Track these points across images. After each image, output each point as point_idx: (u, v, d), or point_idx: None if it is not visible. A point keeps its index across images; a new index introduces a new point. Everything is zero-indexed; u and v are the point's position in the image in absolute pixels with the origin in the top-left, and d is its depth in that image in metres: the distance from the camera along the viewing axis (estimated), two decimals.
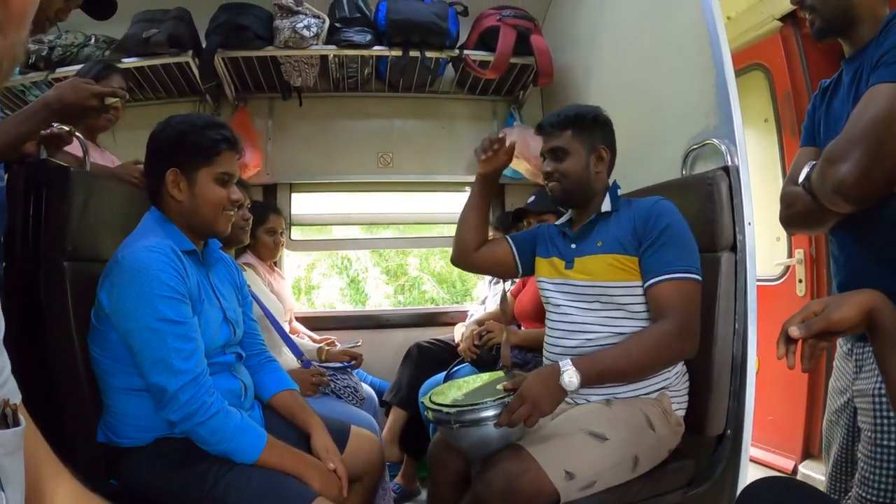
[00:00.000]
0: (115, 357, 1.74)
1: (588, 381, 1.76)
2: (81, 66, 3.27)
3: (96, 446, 1.78)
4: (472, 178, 3.94)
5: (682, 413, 2.01)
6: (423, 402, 1.96)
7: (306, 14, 3.34)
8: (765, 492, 1.29)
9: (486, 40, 3.47)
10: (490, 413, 1.76)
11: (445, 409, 1.81)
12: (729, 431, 2.08)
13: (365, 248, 4.42)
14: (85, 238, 1.92)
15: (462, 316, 3.70)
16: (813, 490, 1.28)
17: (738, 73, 2.44)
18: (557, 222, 2.26)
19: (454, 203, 4.25)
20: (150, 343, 1.64)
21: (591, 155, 2.09)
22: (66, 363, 1.79)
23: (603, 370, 1.80)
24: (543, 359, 2.16)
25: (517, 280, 3.31)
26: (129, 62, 3.34)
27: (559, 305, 2.10)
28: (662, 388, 1.98)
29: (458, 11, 3.48)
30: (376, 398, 3.22)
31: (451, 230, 4.16)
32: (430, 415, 1.87)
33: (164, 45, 3.28)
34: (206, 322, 1.81)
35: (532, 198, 3.08)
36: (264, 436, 1.72)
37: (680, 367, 2.03)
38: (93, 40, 3.40)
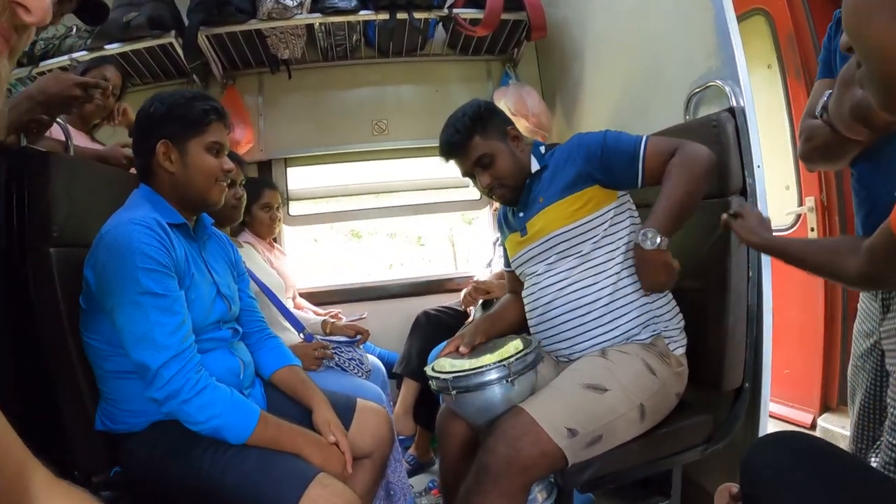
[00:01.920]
0: (107, 340, 1.71)
1: (665, 228, 1.80)
2: (65, 57, 3.28)
3: (95, 435, 1.77)
4: None
5: (681, 352, 1.96)
6: (426, 371, 1.93)
7: None
8: (768, 449, 1.23)
9: None
10: (491, 377, 1.72)
11: (443, 376, 1.78)
12: (747, 385, 2.04)
13: (364, 218, 4.38)
14: (70, 223, 1.87)
15: (468, 282, 3.60)
16: (821, 443, 1.23)
17: (739, 18, 2.36)
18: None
19: (452, 167, 4.15)
20: (132, 318, 1.60)
21: (506, 141, 2.11)
22: (59, 352, 1.76)
23: (666, 211, 1.82)
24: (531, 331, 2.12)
25: None
26: (112, 49, 3.27)
27: (529, 275, 2.10)
28: (655, 331, 1.94)
29: None
30: (384, 370, 3.15)
31: (451, 194, 4.19)
32: (432, 384, 1.85)
33: (145, 27, 3.21)
34: (198, 297, 1.79)
35: None
36: (256, 412, 1.68)
37: (670, 305, 2.00)
38: (74, 30, 3.31)
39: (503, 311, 2.28)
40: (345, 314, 3.44)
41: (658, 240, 1.78)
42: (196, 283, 1.79)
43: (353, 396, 2.12)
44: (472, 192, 4.14)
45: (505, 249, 2.31)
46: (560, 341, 1.98)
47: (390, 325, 3.72)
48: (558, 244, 1.98)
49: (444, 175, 4.15)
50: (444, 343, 2.95)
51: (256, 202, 3.14)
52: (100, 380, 1.78)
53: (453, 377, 1.76)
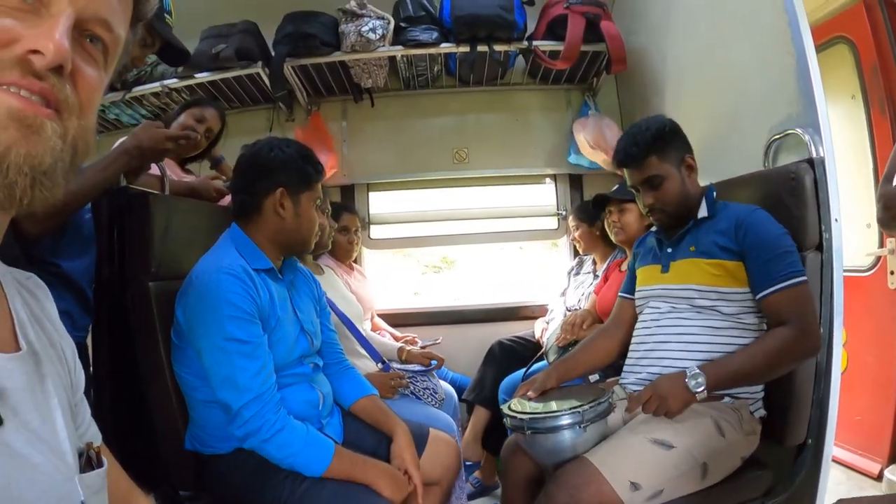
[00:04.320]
0: (196, 373, 1.87)
1: (714, 383, 1.80)
2: (156, 83, 3.54)
3: (185, 453, 1.94)
4: (549, 171, 4.11)
5: (760, 415, 1.99)
6: (502, 409, 2.01)
7: (371, 17, 3.41)
8: None
9: (555, 29, 3.43)
10: (564, 422, 1.80)
11: (520, 416, 1.88)
12: (810, 441, 2.03)
13: (442, 244, 4.43)
14: (167, 258, 2.05)
15: (542, 310, 3.72)
16: None
17: (821, 47, 2.32)
18: (654, 229, 2.27)
19: (532, 195, 4.28)
20: (218, 361, 1.76)
21: (681, 169, 2.08)
22: (155, 377, 1.94)
23: (729, 373, 1.84)
24: (624, 371, 2.16)
25: (599, 277, 3.30)
26: (201, 77, 3.55)
27: (652, 310, 2.13)
28: (738, 394, 1.96)
29: (523, 2, 3.46)
30: (456, 397, 3.26)
31: (531, 223, 4.29)
32: (507, 421, 1.94)
33: (233, 58, 3.46)
34: (282, 336, 1.93)
35: (616, 187, 3.02)
36: (331, 447, 1.81)
37: None
38: None
39: (583, 354, 2.31)
40: (420, 338, 3.56)
41: (701, 389, 1.79)
42: (281, 324, 1.93)
43: (425, 425, 2.22)
44: (551, 222, 4.21)
45: (632, 275, 2.34)
46: (650, 375, 2.02)
47: (464, 350, 3.80)
48: (694, 297, 2.01)
49: (522, 203, 4.25)
50: (518, 373, 3.12)
51: (336, 225, 3.24)
52: (190, 406, 1.95)
53: (529, 418, 1.86)
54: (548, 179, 4.20)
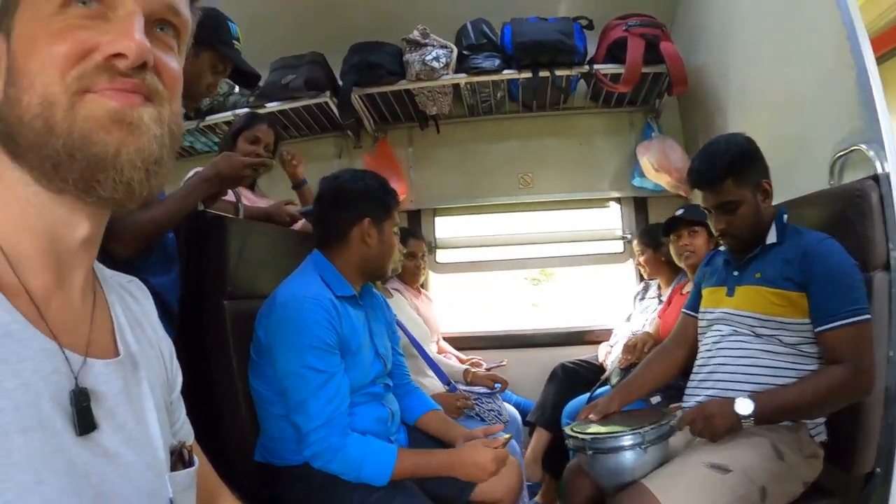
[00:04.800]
0: (273, 389, 1.97)
1: (763, 412, 1.78)
2: (229, 113, 3.71)
3: (254, 465, 2.03)
4: (614, 194, 4.09)
5: (821, 439, 1.93)
6: (565, 430, 2.03)
7: (434, 45, 3.49)
8: None
9: (615, 52, 3.44)
10: (625, 442, 1.82)
11: (582, 436, 1.90)
12: (878, 470, 1.94)
13: (508, 268, 4.47)
14: (241, 278, 2.18)
15: (607, 334, 3.68)
16: None
17: (882, 58, 2.23)
18: (723, 248, 2.23)
19: (597, 219, 4.27)
20: (294, 385, 1.87)
21: (756, 194, 2.02)
22: (228, 390, 2.06)
23: (780, 405, 1.81)
24: (686, 394, 2.13)
25: (664, 300, 3.27)
26: (272, 107, 3.69)
27: (714, 331, 2.10)
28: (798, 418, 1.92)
29: (583, 26, 3.50)
30: (520, 419, 3.28)
31: (596, 247, 4.27)
32: (569, 442, 1.96)
33: (302, 88, 3.60)
34: (360, 360, 2.03)
35: (681, 210, 2.96)
36: (393, 451, 1.88)
37: None
38: (237, 89, 3.79)
39: (643, 373, 2.30)
40: (485, 360, 3.60)
41: (748, 415, 1.76)
42: (359, 349, 2.04)
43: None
44: (616, 245, 4.17)
45: (697, 291, 2.30)
46: (708, 396, 1.99)
47: (528, 373, 3.78)
48: (755, 325, 1.98)
49: (587, 227, 4.24)
50: (581, 398, 3.09)
51: (403, 250, 3.31)
52: (262, 419, 2.04)
53: (591, 438, 1.88)
54: (612, 203, 4.18)
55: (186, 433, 1.02)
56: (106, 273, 0.89)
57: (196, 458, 0.92)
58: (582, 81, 3.77)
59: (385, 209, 2.13)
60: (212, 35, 2.03)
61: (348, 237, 2.08)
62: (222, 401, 2.08)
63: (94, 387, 0.72)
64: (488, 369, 3.51)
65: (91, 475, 0.68)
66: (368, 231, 2.08)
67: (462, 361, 3.61)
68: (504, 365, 3.60)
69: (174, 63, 0.76)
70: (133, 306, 0.92)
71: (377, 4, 3.77)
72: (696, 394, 2.06)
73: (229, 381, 2.06)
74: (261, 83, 3.64)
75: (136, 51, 0.67)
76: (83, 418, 0.68)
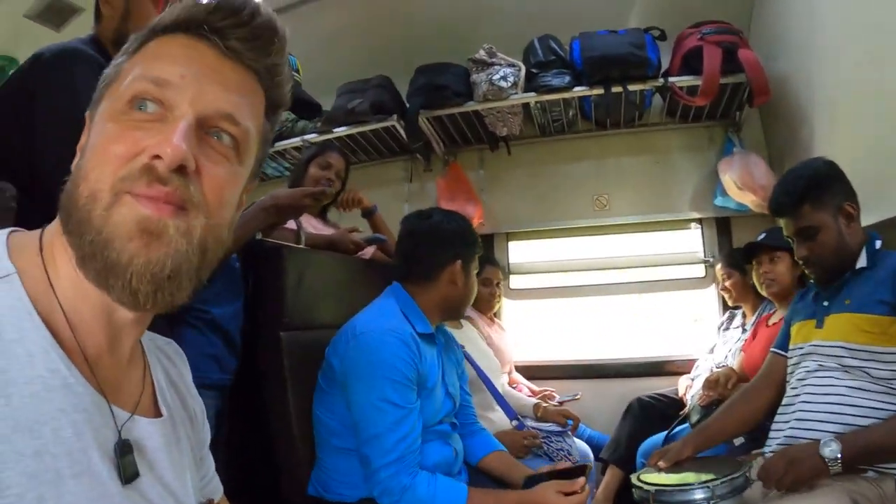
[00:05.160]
0: (340, 419, 1.97)
1: (850, 454, 1.64)
2: (297, 139, 3.81)
3: (307, 499, 2.01)
4: (695, 214, 3.91)
5: None
6: (631, 478, 1.95)
7: (501, 64, 3.48)
8: None
9: (691, 63, 3.31)
10: (694, 497, 1.72)
11: (647, 486, 1.81)
12: None
13: (584, 295, 4.30)
14: (299, 309, 2.19)
15: (689, 365, 3.50)
16: None
17: None
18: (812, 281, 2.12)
19: (677, 242, 4.09)
20: (369, 418, 1.86)
21: (838, 218, 1.93)
22: (282, 422, 2.06)
23: (869, 446, 1.67)
24: (769, 438, 2.01)
25: (748, 331, 3.09)
26: (339, 131, 3.76)
27: (802, 368, 1.98)
28: (886, 471, 1.73)
29: (655, 37, 3.39)
30: (592, 456, 3.14)
31: (676, 271, 4.08)
32: (635, 492, 1.87)
33: (368, 112, 3.66)
34: (433, 398, 2.04)
35: (763, 234, 2.84)
36: (463, 490, 1.86)
37: None
38: None
39: (724, 418, 2.18)
40: (558, 392, 3.51)
41: (835, 458, 1.63)
42: (433, 387, 2.04)
43: None
44: (697, 270, 3.99)
45: (787, 328, 2.18)
46: (788, 440, 1.87)
47: (603, 405, 3.67)
48: (843, 356, 1.86)
49: (666, 251, 4.09)
50: (659, 436, 2.96)
51: (477, 277, 3.29)
52: (321, 449, 2.04)
53: (656, 490, 1.79)
54: (693, 224, 3.99)
55: (214, 489, 1.06)
56: (146, 337, 0.93)
57: None
58: (657, 96, 3.67)
59: (474, 252, 2.20)
60: None
61: (437, 277, 2.12)
62: (277, 432, 2.08)
63: (137, 440, 0.78)
64: (561, 403, 3.42)
65: None
66: (458, 273, 2.13)
67: (534, 393, 3.53)
68: (578, 398, 3.49)
69: (222, 171, 0.78)
70: (170, 369, 0.98)
71: (442, 25, 3.80)
72: (777, 437, 1.93)
73: (284, 413, 2.06)
74: (327, 108, 3.78)
75: (171, 154, 0.69)
76: (126, 468, 0.74)
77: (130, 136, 0.72)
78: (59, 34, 3.99)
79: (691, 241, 4.03)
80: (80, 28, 3.93)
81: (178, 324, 1.75)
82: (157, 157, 0.70)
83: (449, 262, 2.12)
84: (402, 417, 1.84)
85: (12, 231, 0.79)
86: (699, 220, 3.97)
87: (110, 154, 0.71)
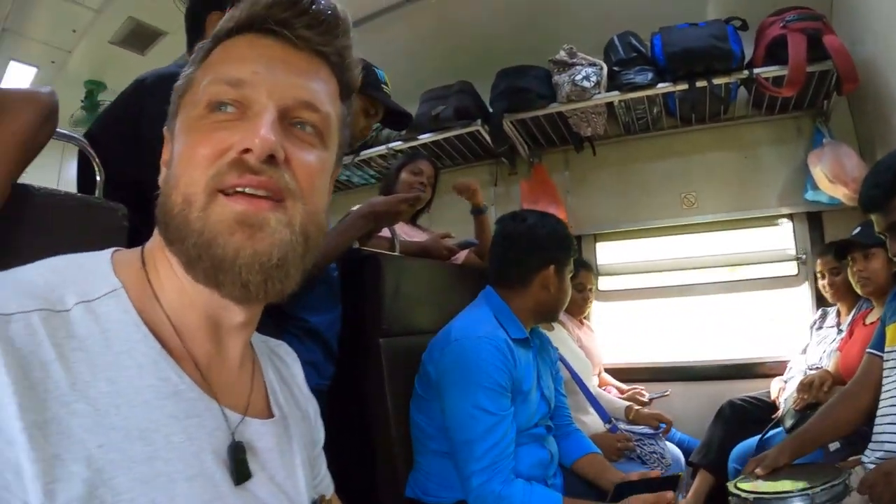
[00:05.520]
0: (436, 424, 2.03)
1: None
2: (382, 147, 4.01)
3: (404, 501, 2.11)
4: (785, 210, 3.85)
5: None
6: (728, 485, 1.95)
7: (582, 64, 3.55)
8: None
9: (775, 53, 3.24)
10: None
11: (744, 494, 1.81)
12: None
13: (673, 295, 4.23)
14: (397, 315, 2.29)
15: (781, 367, 3.42)
16: None
17: None
18: None
19: (768, 239, 4.01)
20: (462, 424, 1.91)
21: None
22: (381, 426, 2.17)
23: None
24: (869, 447, 1.96)
25: (844, 331, 3.01)
26: (424, 138, 3.94)
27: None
28: None
29: (736, 27, 3.34)
30: (683, 460, 3.11)
31: (766, 269, 4.03)
32: (732, 500, 1.87)
33: (452, 118, 3.81)
34: (527, 404, 2.07)
35: (857, 229, 2.76)
36: (558, 500, 1.87)
37: None
38: None
39: (820, 424, 2.14)
40: (647, 391, 3.54)
41: None
42: (528, 391, 2.08)
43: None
44: (789, 267, 3.89)
45: (882, 332, 2.11)
46: (888, 454, 1.83)
47: (693, 408, 3.63)
48: None
49: (756, 248, 4.02)
50: (751, 441, 2.95)
51: (572, 281, 3.37)
52: (419, 453, 2.12)
53: (755, 498, 1.79)
54: (783, 220, 3.90)
55: (326, 486, 1.11)
56: (257, 339, 0.99)
57: None
58: (742, 88, 3.61)
59: (568, 256, 2.21)
60: (361, 81, 2.26)
61: (531, 281, 2.15)
62: (376, 436, 2.17)
63: (249, 443, 0.82)
64: (650, 400, 3.45)
65: None
66: (552, 277, 2.15)
67: (622, 392, 3.56)
68: (668, 395, 3.51)
69: (310, 157, 0.81)
70: (283, 370, 1.04)
71: (520, 28, 3.90)
72: (874, 448, 1.89)
73: (384, 418, 2.14)
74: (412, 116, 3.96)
75: (260, 145, 0.73)
76: (239, 469, 0.78)
77: (215, 137, 0.76)
78: (143, 58, 4.36)
79: (782, 237, 3.95)
80: (164, 51, 4.28)
81: (278, 333, 1.86)
82: (247, 150, 0.74)
83: (542, 267, 2.15)
84: (494, 424, 1.87)
85: (115, 250, 0.83)
86: (789, 216, 3.89)
87: (198, 157, 0.75)
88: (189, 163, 0.76)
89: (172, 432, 0.71)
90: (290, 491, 0.88)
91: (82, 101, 4.95)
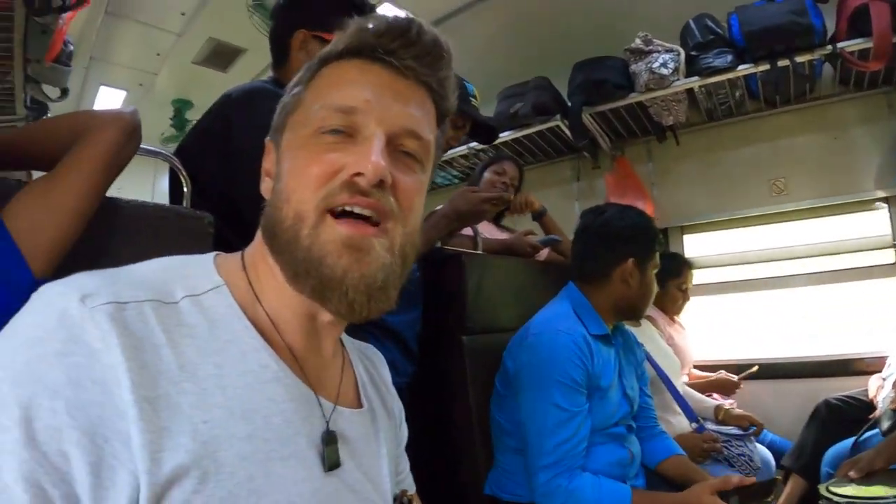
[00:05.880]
0: (515, 421, 2.04)
1: None
2: (463, 147, 4.10)
3: (483, 498, 2.15)
4: (880, 193, 3.72)
5: None
6: (819, 488, 1.96)
7: (659, 51, 3.57)
8: None
9: (859, 25, 3.13)
10: None
11: (836, 498, 1.81)
12: None
13: (765, 288, 4.11)
14: (480, 313, 2.32)
15: (880, 363, 3.26)
16: None
17: None
18: None
19: (863, 226, 3.83)
20: (534, 419, 1.92)
21: None
22: (464, 424, 2.20)
23: None
24: None
25: None
26: (504, 137, 4.01)
27: None
28: None
29: (815, 1, 3.24)
30: (773, 464, 3.06)
31: (863, 258, 3.89)
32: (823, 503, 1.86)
33: (531, 115, 3.90)
34: (607, 400, 2.04)
35: None
36: (627, 493, 1.87)
37: None
38: None
39: None
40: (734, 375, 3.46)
41: None
42: (607, 388, 2.05)
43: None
44: (886, 255, 3.72)
45: None
46: None
47: (785, 407, 3.55)
48: None
49: (852, 236, 3.86)
50: (846, 442, 2.86)
51: (675, 279, 3.39)
52: (498, 450, 2.15)
53: (846, 502, 1.80)
54: (879, 203, 3.70)
55: (409, 484, 1.16)
56: (346, 339, 1.08)
57: None
58: (826, 65, 3.49)
59: (650, 250, 2.17)
60: None
61: (610, 276, 2.14)
62: (458, 433, 2.22)
63: (341, 430, 0.88)
64: (739, 379, 3.40)
65: (331, 503, 0.83)
66: (631, 272, 2.12)
67: (709, 383, 3.52)
68: (755, 371, 3.45)
69: (412, 182, 0.87)
70: (371, 369, 1.11)
71: (592, 18, 3.94)
72: None
73: (466, 415, 2.18)
74: (489, 115, 3.93)
75: (372, 170, 0.78)
76: (331, 457, 0.84)
77: (326, 158, 0.81)
78: (226, 75, 4.65)
79: (879, 223, 3.76)
80: (245, 67, 4.56)
81: (357, 331, 1.98)
82: (359, 174, 0.79)
83: (621, 261, 2.13)
84: (565, 420, 1.88)
85: (217, 254, 0.91)
86: (885, 199, 3.71)
87: (310, 176, 0.81)
88: (301, 180, 0.82)
89: (271, 414, 0.78)
90: (376, 479, 0.94)
91: (171, 120, 5.32)
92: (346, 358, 1.02)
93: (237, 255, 0.92)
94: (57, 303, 0.69)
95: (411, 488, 1.15)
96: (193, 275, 0.83)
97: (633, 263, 2.12)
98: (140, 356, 0.68)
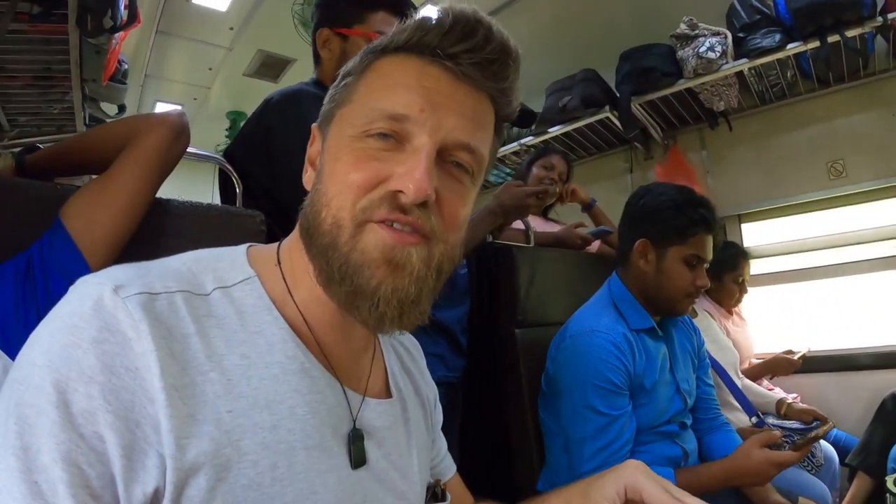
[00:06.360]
0: (558, 421, 2.01)
1: None
2: (514, 143, 4.19)
3: (537, 494, 2.17)
4: None
5: None
6: (886, 481, 1.96)
7: (705, 35, 3.58)
8: None
9: None
10: None
11: None
12: None
13: (830, 276, 3.98)
14: (533, 306, 2.36)
15: None
16: None
17: None
18: None
19: None
20: (573, 422, 1.90)
21: None
22: (518, 417, 2.21)
23: None
24: None
25: None
26: (554, 131, 4.10)
27: None
28: None
29: None
30: (837, 461, 2.97)
31: None
32: (889, 499, 1.89)
33: (580, 108, 3.96)
34: (655, 398, 1.99)
35: None
36: (669, 474, 1.85)
37: None
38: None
39: None
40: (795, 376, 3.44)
41: None
42: (655, 385, 2.00)
43: (794, 493, 2.19)
44: None
45: None
46: None
47: (850, 402, 3.45)
48: None
49: None
50: None
51: (731, 272, 3.36)
52: (547, 449, 2.13)
53: None
54: None
55: (446, 466, 1.18)
56: None
57: (448, 494, 1.09)
58: (879, 38, 3.41)
59: (672, 231, 2.01)
60: None
61: (629, 258, 2.09)
62: (512, 428, 2.22)
63: (368, 421, 0.90)
64: (798, 358, 3.32)
65: (357, 494, 0.85)
66: (646, 253, 2.05)
67: (764, 365, 3.44)
68: (809, 352, 3.37)
69: (459, 197, 0.86)
70: (405, 356, 1.12)
71: (637, 6, 3.98)
72: None
73: (520, 409, 2.19)
74: (538, 110, 4.07)
75: (414, 191, 0.77)
76: (357, 454, 0.86)
77: (369, 166, 0.80)
78: (277, 85, 4.82)
79: None
80: (295, 76, 4.74)
81: None
82: (401, 191, 0.78)
83: (635, 238, 2.07)
84: (605, 425, 1.84)
85: (250, 245, 0.92)
86: None
87: (350, 182, 0.80)
88: (341, 185, 0.81)
89: (296, 405, 0.79)
90: (405, 469, 0.95)
91: (226, 131, 5.55)
92: (377, 348, 1.02)
93: (273, 246, 0.94)
94: (92, 292, 0.72)
95: (450, 469, 1.19)
96: (225, 267, 0.86)
97: (647, 245, 2.05)
98: (170, 345, 0.72)
